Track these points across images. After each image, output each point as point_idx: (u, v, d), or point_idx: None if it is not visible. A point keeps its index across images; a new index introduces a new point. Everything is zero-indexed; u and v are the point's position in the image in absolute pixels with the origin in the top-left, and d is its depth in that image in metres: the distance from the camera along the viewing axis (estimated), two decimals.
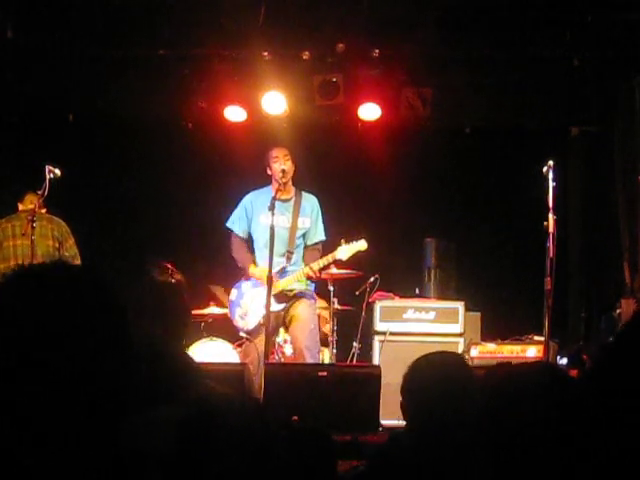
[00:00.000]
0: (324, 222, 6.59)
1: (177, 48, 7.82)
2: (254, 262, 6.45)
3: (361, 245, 6.32)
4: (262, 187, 6.62)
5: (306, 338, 6.32)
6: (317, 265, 6.29)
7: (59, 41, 7.64)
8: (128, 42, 7.72)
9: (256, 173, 7.10)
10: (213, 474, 1.56)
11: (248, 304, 6.43)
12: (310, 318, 6.41)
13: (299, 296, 6.40)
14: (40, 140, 8.50)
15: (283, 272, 6.32)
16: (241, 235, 6.55)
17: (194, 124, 8.64)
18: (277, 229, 6.16)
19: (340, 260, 6.38)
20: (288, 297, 6.38)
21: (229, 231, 6.65)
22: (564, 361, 6.63)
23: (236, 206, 6.65)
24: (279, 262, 6.31)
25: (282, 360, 6.63)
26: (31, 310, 1.25)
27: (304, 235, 6.51)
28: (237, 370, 5.82)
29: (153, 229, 8.82)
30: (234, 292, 6.53)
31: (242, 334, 6.72)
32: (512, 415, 1.72)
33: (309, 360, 6.22)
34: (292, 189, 6.54)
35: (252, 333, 6.44)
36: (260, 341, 6.20)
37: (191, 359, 3.39)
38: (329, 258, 6.32)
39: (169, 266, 7.15)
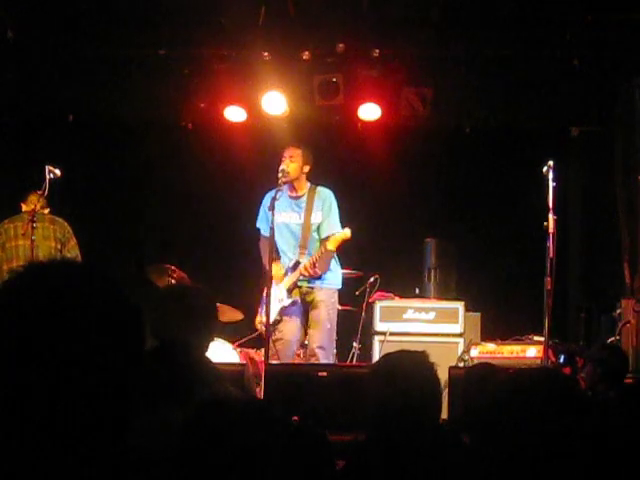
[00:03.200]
0: (340, 215, 6.60)
1: (177, 48, 7.83)
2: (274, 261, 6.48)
3: (344, 233, 6.30)
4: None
5: (320, 339, 6.43)
6: (309, 263, 6.32)
7: (59, 41, 7.65)
8: (128, 42, 7.72)
9: (256, 173, 7.11)
10: (216, 473, 1.57)
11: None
12: (327, 319, 6.49)
13: (318, 297, 6.46)
14: (40, 140, 8.50)
15: (296, 266, 6.41)
16: (266, 235, 6.57)
17: (194, 124, 8.64)
18: (290, 226, 6.39)
19: (331, 251, 6.37)
20: (308, 297, 6.43)
21: (258, 231, 6.73)
22: (560, 359, 6.63)
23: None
24: (293, 258, 6.43)
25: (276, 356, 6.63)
26: (37, 308, 1.26)
27: (318, 229, 6.55)
28: (237, 370, 5.82)
29: (153, 229, 8.82)
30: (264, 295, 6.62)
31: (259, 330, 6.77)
32: (515, 418, 1.73)
33: (322, 360, 6.31)
34: (306, 185, 6.58)
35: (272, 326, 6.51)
36: (282, 330, 6.25)
37: (212, 363, 3.40)
38: (321, 250, 6.35)
39: (171, 267, 7.14)
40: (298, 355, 6.75)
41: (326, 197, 6.56)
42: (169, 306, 3.33)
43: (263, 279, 6.53)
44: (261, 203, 6.67)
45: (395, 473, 2.49)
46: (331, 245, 6.29)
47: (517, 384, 1.83)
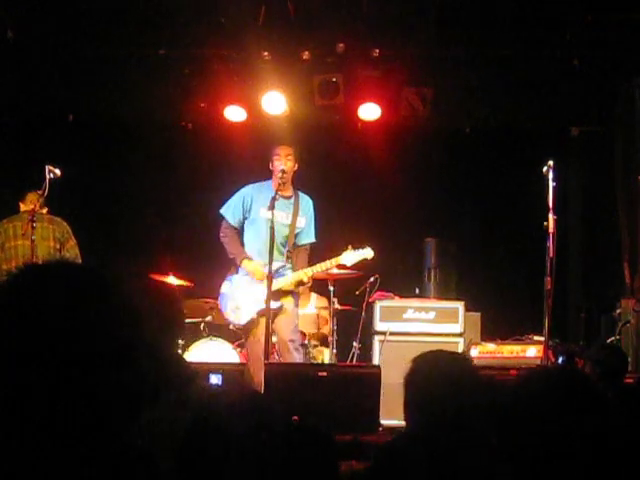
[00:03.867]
0: (316, 225, 6.56)
1: (177, 48, 7.83)
2: (248, 256, 6.40)
3: (367, 253, 6.29)
4: (263, 181, 6.57)
5: (291, 332, 6.33)
6: (313, 270, 6.26)
7: (59, 41, 7.65)
8: (128, 42, 7.73)
9: (256, 173, 7.09)
10: (217, 474, 1.57)
11: (240, 298, 6.38)
12: (295, 314, 6.42)
13: (284, 293, 6.38)
14: (40, 140, 8.50)
15: (280, 271, 6.30)
16: (234, 224, 6.48)
17: (194, 124, 8.64)
18: (277, 225, 6.17)
19: (344, 265, 6.36)
20: (279, 294, 6.37)
21: (221, 217, 6.52)
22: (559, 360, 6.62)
23: (232, 194, 6.57)
24: (278, 259, 6.30)
25: (280, 360, 6.61)
26: (36, 308, 1.26)
27: (298, 235, 6.50)
28: (237, 370, 5.83)
29: (152, 229, 8.81)
30: (226, 284, 6.47)
31: (232, 327, 6.69)
32: (531, 419, 1.73)
33: (293, 352, 6.23)
34: (291, 187, 6.52)
35: (244, 329, 6.40)
36: (254, 339, 6.19)
37: (184, 361, 3.40)
38: (332, 262, 6.28)
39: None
40: (274, 351, 6.65)
41: (310, 205, 6.52)
42: (137, 305, 3.31)
43: (239, 264, 6.42)
44: (237, 191, 6.51)
45: (425, 473, 2.48)
46: (348, 261, 6.25)
47: (532, 384, 1.83)
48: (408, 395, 2.71)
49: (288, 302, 6.38)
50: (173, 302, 3.46)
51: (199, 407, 1.73)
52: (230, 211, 6.48)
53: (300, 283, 6.33)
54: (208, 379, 3.52)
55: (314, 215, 6.53)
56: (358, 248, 6.31)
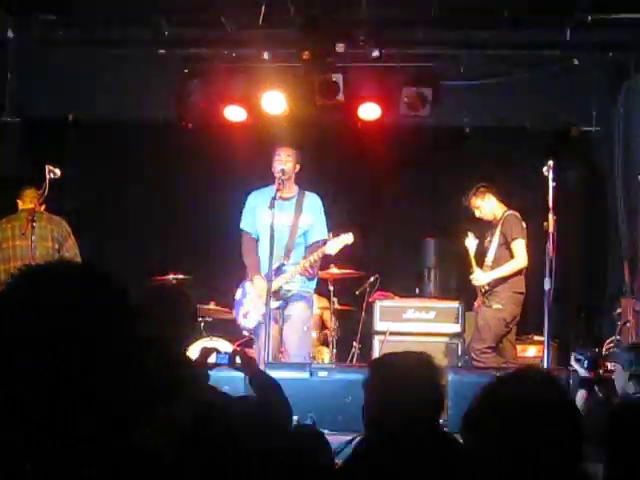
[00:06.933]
0: (327, 221, 6.57)
1: (177, 48, 7.83)
2: (260, 272, 6.43)
3: (347, 238, 6.27)
4: (265, 186, 6.62)
5: (296, 340, 6.36)
6: (307, 262, 6.27)
7: (59, 41, 7.65)
8: (128, 42, 7.72)
9: (256, 173, 7.10)
10: (219, 471, 1.57)
11: (249, 304, 6.44)
12: (304, 320, 6.43)
13: (296, 298, 6.41)
14: (40, 140, 8.49)
15: (280, 269, 6.31)
16: (254, 235, 6.55)
17: (194, 124, 8.63)
18: (278, 227, 6.20)
19: (329, 255, 6.34)
20: (285, 296, 6.38)
21: (241, 232, 6.63)
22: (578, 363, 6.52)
23: (243, 207, 6.65)
24: (278, 259, 6.31)
25: (282, 360, 6.61)
26: (37, 308, 1.26)
27: (305, 234, 6.51)
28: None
29: (153, 229, 8.81)
30: (239, 291, 6.56)
31: (245, 333, 6.73)
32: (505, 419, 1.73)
33: (297, 361, 6.24)
34: (295, 188, 6.54)
35: (254, 332, 6.46)
36: (261, 342, 6.22)
37: (193, 362, 3.42)
38: (319, 253, 6.29)
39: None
40: (281, 352, 6.68)
41: (316, 203, 6.55)
42: (150, 306, 3.33)
43: (250, 279, 6.48)
44: (244, 203, 6.63)
45: (391, 473, 2.48)
46: (332, 250, 6.25)
47: (506, 386, 1.83)
48: (366, 395, 2.71)
49: (296, 309, 6.41)
50: (183, 303, 3.47)
51: (201, 407, 1.73)
52: (246, 223, 6.60)
53: (303, 275, 6.32)
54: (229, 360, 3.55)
55: (324, 211, 6.55)
56: (338, 235, 6.30)
